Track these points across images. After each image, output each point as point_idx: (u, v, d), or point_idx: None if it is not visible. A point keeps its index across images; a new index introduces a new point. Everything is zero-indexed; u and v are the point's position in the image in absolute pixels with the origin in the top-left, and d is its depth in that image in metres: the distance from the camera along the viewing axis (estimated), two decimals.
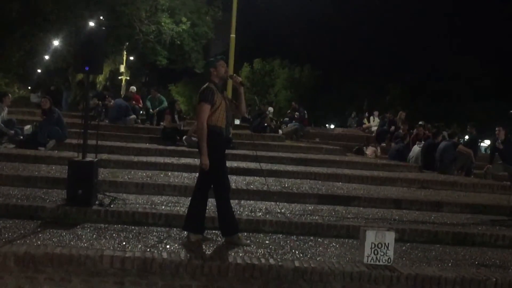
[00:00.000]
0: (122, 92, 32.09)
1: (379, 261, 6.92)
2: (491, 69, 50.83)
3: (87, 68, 9.06)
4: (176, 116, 17.41)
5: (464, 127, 27.74)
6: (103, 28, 9.28)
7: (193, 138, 14.56)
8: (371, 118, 27.39)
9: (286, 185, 11.41)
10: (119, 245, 7.05)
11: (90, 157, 9.08)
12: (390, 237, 6.97)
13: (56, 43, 32.87)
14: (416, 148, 17.67)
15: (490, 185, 13.73)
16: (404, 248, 8.12)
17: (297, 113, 24.29)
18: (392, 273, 6.71)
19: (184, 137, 15.88)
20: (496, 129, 16.28)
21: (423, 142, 17.88)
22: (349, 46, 62.91)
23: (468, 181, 14.06)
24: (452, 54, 51.50)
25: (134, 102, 20.57)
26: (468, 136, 20.67)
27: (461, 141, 19.86)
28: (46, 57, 35.98)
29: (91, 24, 22.90)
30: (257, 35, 61.94)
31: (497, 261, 7.82)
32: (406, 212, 10.34)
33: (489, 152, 17.85)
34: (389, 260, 6.93)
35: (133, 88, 23.37)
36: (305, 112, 25.21)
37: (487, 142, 30.87)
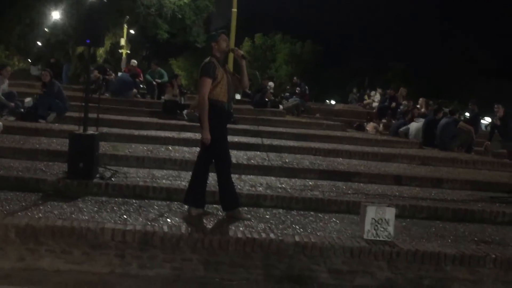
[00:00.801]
0: (123, 65, 31.89)
1: (379, 237, 6.93)
2: (493, 48, 50.73)
3: (88, 41, 9.00)
4: (177, 90, 17.39)
5: (465, 104, 27.67)
6: (104, 0, 9.21)
7: (195, 113, 14.54)
8: (373, 93, 27.30)
9: (287, 161, 11.42)
10: (120, 218, 7.07)
11: (91, 131, 9.07)
12: (390, 213, 6.98)
13: (56, 15, 32.63)
14: (414, 124, 17.65)
15: (490, 162, 13.77)
16: (404, 224, 8.13)
17: (298, 88, 24.21)
18: (392, 248, 6.73)
19: (185, 111, 15.86)
20: (495, 106, 16.31)
21: (421, 118, 17.83)
22: (351, 22, 62.72)
23: (468, 158, 14.07)
24: (455, 33, 51.29)
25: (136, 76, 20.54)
26: (470, 113, 20.63)
27: (462, 118, 19.82)
28: (46, 29, 35.74)
29: None
30: (259, 9, 61.63)
31: (497, 238, 7.84)
32: (407, 188, 10.35)
33: (489, 129, 17.83)
34: (389, 236, 6.95)
35: (134, 62, 23.29)
36: (306, 87, 25.13)
37: (488, 120, 30.81)
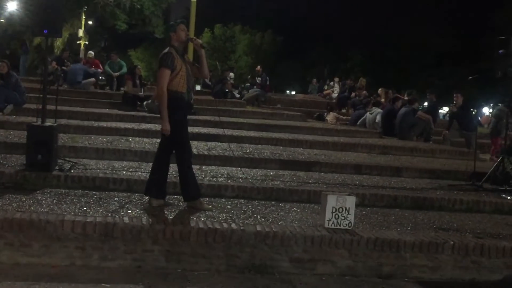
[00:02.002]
0: (82, 56, 31.56)
1: (340, 225, 6.99)
2: (450, 37, 51.23)
3: (46, 31, 8.88)
4: (137, 82, 17.28)
5: (423, 93, 28.04)
6: None
7: (156, 104, 14.47)
8: (332, 83, 27.48)
9: (248, 151, 11.44)
10: (80, 210, 7.00)
11: (49, 122, 8.96)
12: (350, 201, 7.05)
13: (13, 6, 32.10)
14: (368, 115, 17.86)
15: (448, 151, 13.98)
16: (364, 212, 8.22)
17: (259, 78, 24.24)
18: (353, 236, 6.80)
19: (145, 103, 15.75)
20: (454, 95, 16.56)
21: (373, 109, 18.01)
22: (311, 12, 62.64)
23: (427, 147, 14.27)
24: (412, 22, 51.62)
25: (93, 66, 20.31)
26: (428, 102, 20.92)
27: (420, 107, 20.09)
28: (2, 20, 35.14)
29: None
30: (218, 0, 61.32)
31: (455, 225, 7.97)
32: (367, 177, 10.46)
33: (447, 118, 18.08)
34: (350, 224, 7.02)
35: (91, 53, 23.02)
36: (267, 78, 25.19)
37: (445, 109, 31.23)
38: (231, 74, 23.15)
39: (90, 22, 41.49)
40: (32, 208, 6.97)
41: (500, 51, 10.68)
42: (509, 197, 9.66)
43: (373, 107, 18.12)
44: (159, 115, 7.56)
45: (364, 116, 18.08)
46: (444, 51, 51.20)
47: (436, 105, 19.50)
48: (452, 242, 6.96)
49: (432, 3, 52.61)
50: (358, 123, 18.07)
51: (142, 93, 16.78)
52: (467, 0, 50.79)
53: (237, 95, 20.61)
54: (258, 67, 27.34)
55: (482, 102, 50.99)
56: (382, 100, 19.77)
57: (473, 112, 16.65)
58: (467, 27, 50.55)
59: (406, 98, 19.35)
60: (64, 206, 7.18)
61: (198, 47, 7.63)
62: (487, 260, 6.99)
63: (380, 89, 21.71)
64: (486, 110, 55.04)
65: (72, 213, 6.83)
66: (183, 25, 7.72)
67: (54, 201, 7.41)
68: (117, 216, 6.83)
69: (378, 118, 17.42)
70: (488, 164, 12.43)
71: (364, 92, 21.10)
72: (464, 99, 16.29)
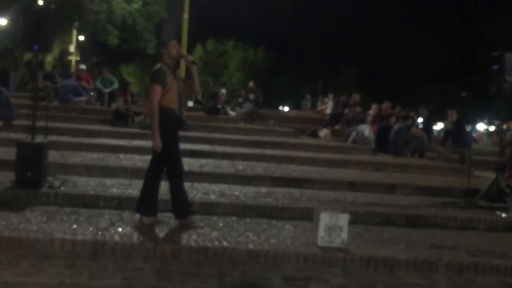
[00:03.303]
0: (73, 71, 31.48)
1: (333, 243, 6.94)
2: (444, 52, 51.45)
3: (36, 47, 8.83)
4: (129, 98, 17.22)
5: (417, 109, 28.09)
6: (53, 6, 9.05)
7: (147, 120, 14.39)
8: (326, 100, 27.44)
9: (240, 168, 11.37)
10: (70, 228, 6.91)
11: (39, 139, 8.88)
12: (344, 219, 7.00)
13: (3, 21, 32.02)
14: (353, 133, 17.83)
15: (442, 168, 13.96)
16: (357, 230, 8.14)
17: (252, 95, 24.19)
18: (346, 254, 6.74)
19: (136, 119, 15.68)
20: (449, 112, 16.55)
21: (363, 125, 17.95)
22: (304, 28, 62.95)
23: (421, 164, 14.25)
24: (406, 37, 51.92)
25: (84, 82, 20.18)
26: (422, 118, 20.94)
27: (416, 123, 20.09)
28: None
29: (40, 2, 22.38)
30: (211, 15, 61.45)
31: (449, 243, 7.91)
32: (360, 195, 10.39)
33: (442, 135, 18.08)
34: (343, 242, 6.96)
35: (83, 67, 22.84)
36: (261, 94, 25.14)
37: (440, 125, 31.31)
38: (223, 90, 23.04)
39: (81, 38, 41.45)
40: (21, 226, 6.88)
41: (494, 67, 10.66)
42: (503, 215, 9.63)
43: (362, 124, 18.05)
44: (150, 132, 7.50)
45: (353, 133, 18.00)
46: (439, 66, 51.41)
47: (430, 121, 19.50)
48: (446, 260, 6.92)
49: (427, 18, 52.91)
50: (348, 142, 17.98)
51: (134, 109, 16.71)
52: (462, 14, 51.11)
53: (231, 112, 20.52)
54: (251, 83, 27.27)
55: (476, 118, 51.20)
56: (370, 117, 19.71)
57: (468, 129, 16.68)
58: (461, 42, 50.77)
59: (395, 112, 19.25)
60: (54, 224, 7.09)
61: (190, 64, 7.62)
62: (481, 278, 6.93)
63: (373, 106, 21.65)
64: (481, 127, 55.29)
65: (62, 231, 6.75)
66: (175, 41, 7.71)
67: (44, 219, 7.32)
68: (107, 234, 6.76)
69: (367, 132, 17.37)
70: (483, 181, 12.38)
71: (358, 108, 21.03)
72: (458, 115, 16.28)
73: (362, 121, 18.79)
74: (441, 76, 51.40)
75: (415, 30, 53.36)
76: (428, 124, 18.30)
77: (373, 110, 20.46)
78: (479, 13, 48.46)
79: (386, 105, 19.27)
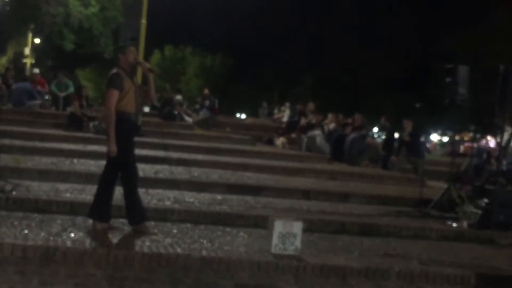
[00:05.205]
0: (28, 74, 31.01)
1: (286, 251, 6.96)
2: (400, 62, 52.08)
3: None
4: (84, 102, 17.04)
5: (371, 119, 28.45)
6: (7, 8, 8.92)
7: (102, 125, 14.27)
8: (283, 108, 27.53)
9: (195, 174, 11.34)
10: (21, 233, 6.80)
11: None
12: (297, 227, 7.03)
13: None
14: (304, 139, 17.98)
15: (396, 177, 14.11)
16: (311, 238, 8.18)
17: (207, 101, 24.15)
18: (299, 262, 6.77)
19: (91, 124, 15.53)
20: (404, 121, 16.73)
21: (309, 132, 18.10)
22: (262, 36, 63.18)
23: (375, 173, 14.40)
24: (362, 47, 52.44)
25: (39, 85, 19.90)
26: (382, 128, 21.12)
27: (370, 133, 20.27)
28: None
29: None
30: (169, 21, 61.18)
31: (401, 252, 8.01)
32: (315, 203, 10.45)
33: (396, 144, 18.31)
34: (297, 250, 6.99)
35: (36, 70, 22.50)
36: (216, 100, 25.11)
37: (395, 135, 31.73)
38: (178, 97, 22.82)
39: (37, 41, 40.91)
40: None
41: (447, 79, 10.84)
42: (454, 224, 9.78)
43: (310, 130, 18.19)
44: (105, 137, 7.45)
45: (304, 139, 18.15)
46: (394, 77, 52.02)
47: (392, 131, 19.66)
48: (397, 269, 6.99)
49: (383, 28, 53.56)
50: (302, 149, 18.09)
51: (88, 114, 16.54)
52: (417, 26, 51.89)
53: (188, 119, 20.41)
54: (206, 90, 27.24)
55: (430, 129, 51.94)
56: (332, 125, 19.84)
57: (422, 139, 16.87)
58: (416, 53, 51.46)
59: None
60: (4, 229, 6.96)
61: (146, 71, 7.61)
62: (432, 287, 7.02)
63: (330, 115, 21.80)
64: (435, 137, 56.12)
65: (12, 236, 6.64)
66: (133, 48, 7.73)
67: None
68: (59, 239, 6.67)
69: (318, 140, 17.51)
70: (435, 191, 12.57)
71: (313, 116, 21.13)
72: (413, 125, 16.48)
73: (312, 127, 18.89)
74: (396, 87, 52.05)
75: (371, 40, 53.95)
76: (390, 134, 18.46)
77: (329, 120, 20.62)
78: (435, 25, 49.21)
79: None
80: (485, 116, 27.72)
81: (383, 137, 19.88)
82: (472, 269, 7.40)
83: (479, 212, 9.92)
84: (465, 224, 9.81)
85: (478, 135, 36.79)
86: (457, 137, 21.53)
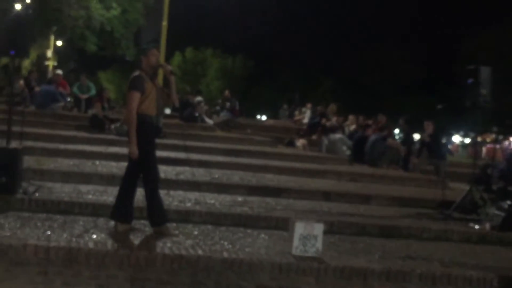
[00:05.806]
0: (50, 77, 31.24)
1: (307, 253, 6.95)
2: (422, 63, 51.84)
3: (12, 52, 8.77)
4: (106, 105, 17.15)
5: (393, 120, 28.21)
6: (30, 10, 9.02)
7: (125, 127, 14.34)
8: (304, 109, 27.50)
9: (216, 176, 11.36)
10: (44, 235, 6.86)
11: (14, 144, 8.81)
12: (318, 228, 7.02)
13: None
14: (325, 141, 17.92)
15: (417, 179, 14.04)
16: (332, 240, 8.17)
17: (228, 103, 24.19)
18: (320, 264, 6.76)
19: (113, 126, 15.62)
20: (425, 123, 16.64)
21: (330, 135, 18.04)
22: (283, 38, 63.28)
23: (396, 175, 14.34)
24: (383, 49, 52.31)
25: (61, 87, 20.03)
26: (400, 130, 21.02)
27: (393, 135, 20.17)
28: None
29: (18, 7, 22.21)
30: (190, 23, 61.47)
31: (422, 254, 7.96)
32: (335, 205, 10.43)
33: (417, 146, 18.20)
34: (317, 252, 6.98)
35: (60, 72, 22.64)
36: (237, 102, 25.15)
37: (415, 136, 31.52)
38: (199, 98, 22.78)
39: (59, 43, 41.21)
40: None
41: (469, 81, 10.76)
42: (476, 226, 9.71)
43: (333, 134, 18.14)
44: (127, 139, 7.48)
45: (325, 141, 18.10)
46: (416, 77, 51.77)
47: (410, 132, 19.57)
48: (419, 271, 6.97)
49: (404, 29, 53.37)
50: (322, 150, 18.05)
51: (110, 116, 16.65)
52: (440, 26, 51.64)
53: (209, 121, 20.40)
54: (227, 91, 27.27)
55: (452, 131, 51.59)
56: (353, 127, 19.80)
57: (443, 141, 16.77)
58: (438, 54, 51.22)
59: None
60: (28, 230, 7.03)
61: (168, 73, 7.63)
62: None
63: (350, 116, 21.73)
64: (457, 139, 55.73)
65: (35, 237, 6.70)
66: (155, 50, 7.73)
67: (17, 225, 7.25)
68: (81, 240, 6.71)
69: (339, 144, 17.47)
70: (457, 192, 12.48)
71: (335, 118, 21.09)
72: (434, 127, 16.39)
73: (334, 129, 18.83)
74: (417, 88, 51.80)
75: (392, 42, 53.77)
76: (408, 135, 18.38)
77: (349, 121, 20.57)
78: (456, 27, 48.98)
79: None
80: (508, 117, 27.56)
81: (400, 138, 19.75)
82: (495, 271, 7.34)
83: (502, 214, 9.85)
84: (487, 226, 9.73)
85: (500, 137, 36.56)
86: (479, 139, 21.34)
